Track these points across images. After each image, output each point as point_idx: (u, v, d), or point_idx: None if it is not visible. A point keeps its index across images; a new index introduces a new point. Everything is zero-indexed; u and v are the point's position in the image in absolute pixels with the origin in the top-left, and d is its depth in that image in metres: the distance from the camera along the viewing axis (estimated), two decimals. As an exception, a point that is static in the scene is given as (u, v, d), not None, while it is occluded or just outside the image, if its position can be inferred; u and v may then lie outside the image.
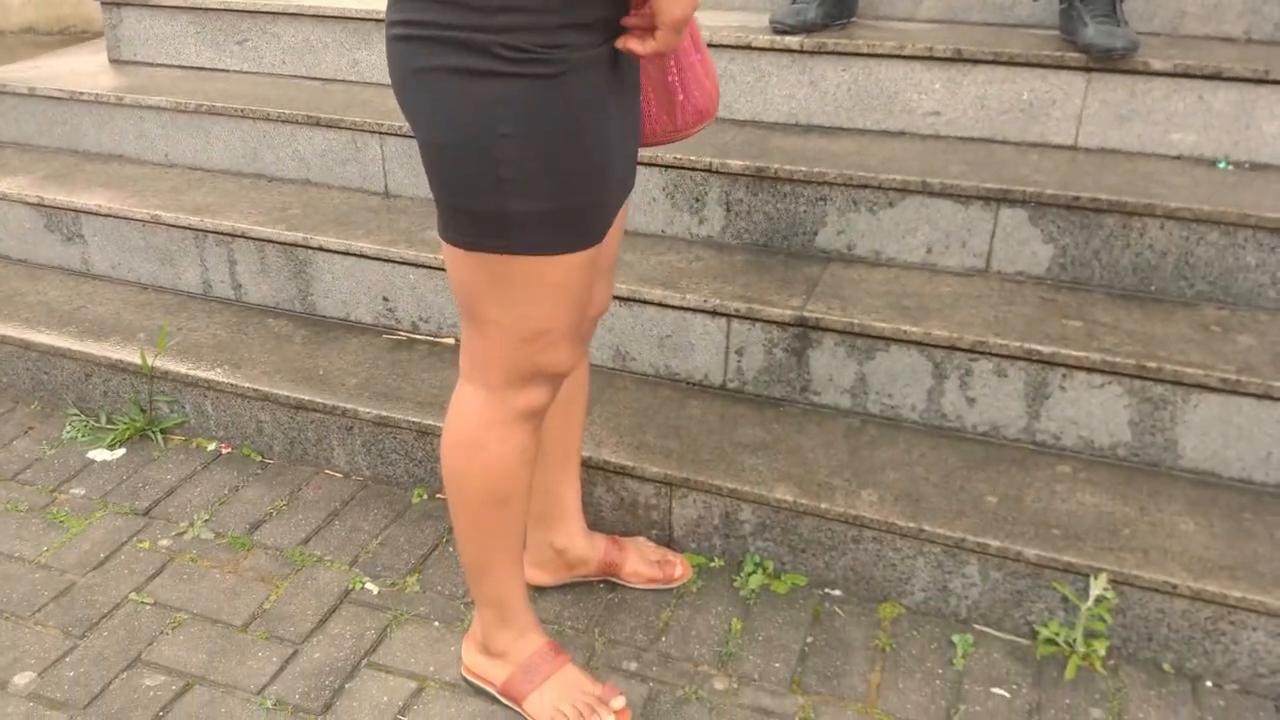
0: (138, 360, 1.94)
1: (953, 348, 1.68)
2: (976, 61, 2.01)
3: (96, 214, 2.26)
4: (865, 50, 2.07)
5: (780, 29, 2.12)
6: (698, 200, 2.02)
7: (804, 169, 1.92)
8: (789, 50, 2.12)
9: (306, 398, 1.83)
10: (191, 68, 2.69)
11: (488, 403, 1.16)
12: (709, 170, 1.98)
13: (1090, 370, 1.61)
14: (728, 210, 2.01)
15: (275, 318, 2.14)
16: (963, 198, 1.84)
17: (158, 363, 1.94)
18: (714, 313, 1.82)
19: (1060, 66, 1.95)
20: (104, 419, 2.01)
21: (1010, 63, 1.99)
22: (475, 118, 0.96)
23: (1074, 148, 2.01)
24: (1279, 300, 1.72)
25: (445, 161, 1.01)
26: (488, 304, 1.09)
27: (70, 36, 3.94)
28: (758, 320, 1.79)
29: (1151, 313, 1.73)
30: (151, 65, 2.74)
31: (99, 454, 1.92)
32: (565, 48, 0.95)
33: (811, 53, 2.11)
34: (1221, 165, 1.91)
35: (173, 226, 2.19)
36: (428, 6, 0.93)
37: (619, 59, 1.04)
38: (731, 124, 2.20)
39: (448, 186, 1.03)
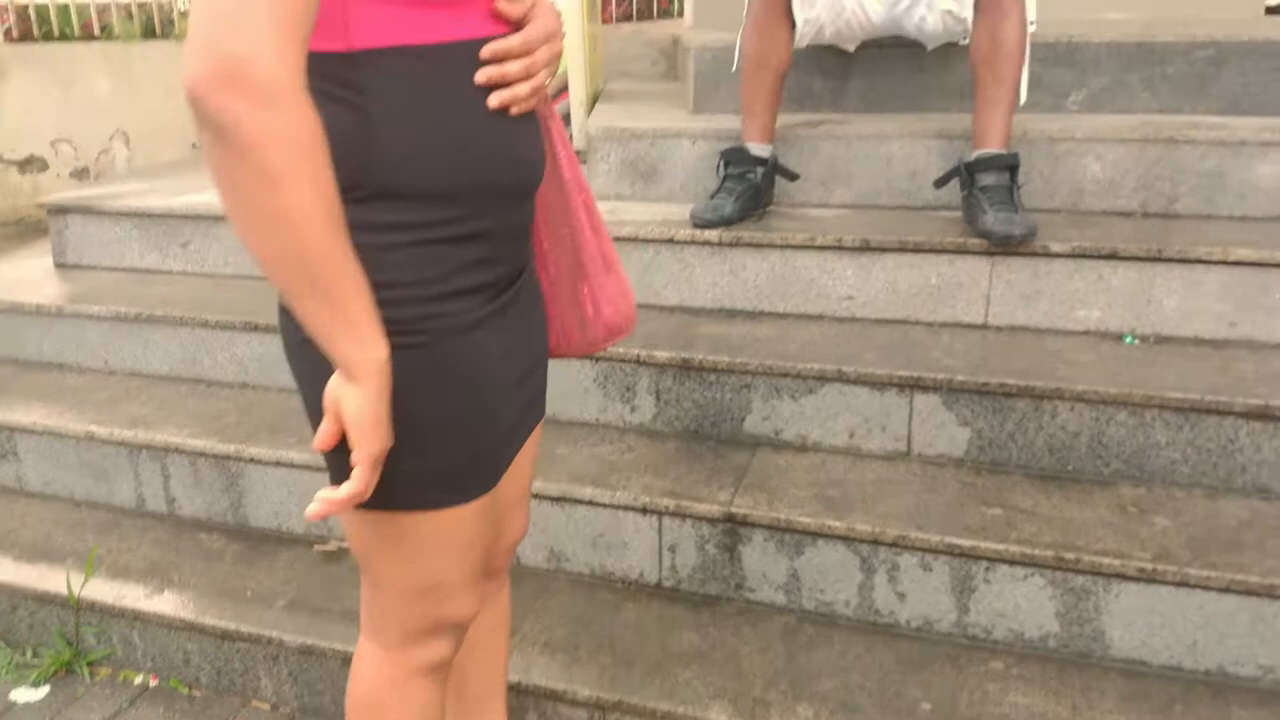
0: (64, 591, 1.91)
1: (877, 542, 1.69)
2: (884, 250, 2.09)
3: (31, 431, 2.26)
4: (780, 242, 2.15)
5: (700, 224, 2.21)
6: (628, 390, 2.06)
7: (726, 359, 1.96)
8: (709, 243, 2.20)
9: (232, 627, 1.79)
10: (136, 270, 2.75)
11: (385, 660, 1.14)
12: (637, 361, 2.02)
13: (1012, 563, 1.62)
14: (658, 399, 2.05)
15: (208, 532, 2.12)
16: (878, 385, 1.89)
17: (85, 592, 1.91)
18: (645, 510, 1.82)
19: (963, 252, 2.04)
20: (29, 653, 1.96)
21: (916, 250, 2.07)
22: None
23: (985, 326, 2.08)
24: (1192, 476, 1.75)
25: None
26: (378, 559, 1.08)
27: (25, 227, 4.00)
28: (688, 517, 1.80)
29: (1070, 494, 1.75)
30: (96, 269, 2.79)
31: (22, 694, 1.86)
32: (441, 316, 0.94)
33: (730, 245, 2.19)
34: (1128, 340, 1.98)
35: (106, 442, 2.19)
36: None
37: (519, 293, 1.05)
38: (661, 310, 2.26)
39: (326, 454, 1.03)
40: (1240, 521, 1.64)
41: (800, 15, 2.21)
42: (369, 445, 0.85)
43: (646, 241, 2.24)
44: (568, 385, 2.07)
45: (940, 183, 2.15)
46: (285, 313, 1.00)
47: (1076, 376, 1.81)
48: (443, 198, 0.91)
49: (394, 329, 0.89)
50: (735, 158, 2.27)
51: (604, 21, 4.63)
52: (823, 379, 1.92)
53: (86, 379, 2.47)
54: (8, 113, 4.16)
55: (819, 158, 2.37)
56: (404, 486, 0.99)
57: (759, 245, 2.18)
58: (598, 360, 2.03)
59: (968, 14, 2.12)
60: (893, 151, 2.31)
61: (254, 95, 0.72)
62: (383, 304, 0.88)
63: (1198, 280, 1.93)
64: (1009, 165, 2.04)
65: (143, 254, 2.74)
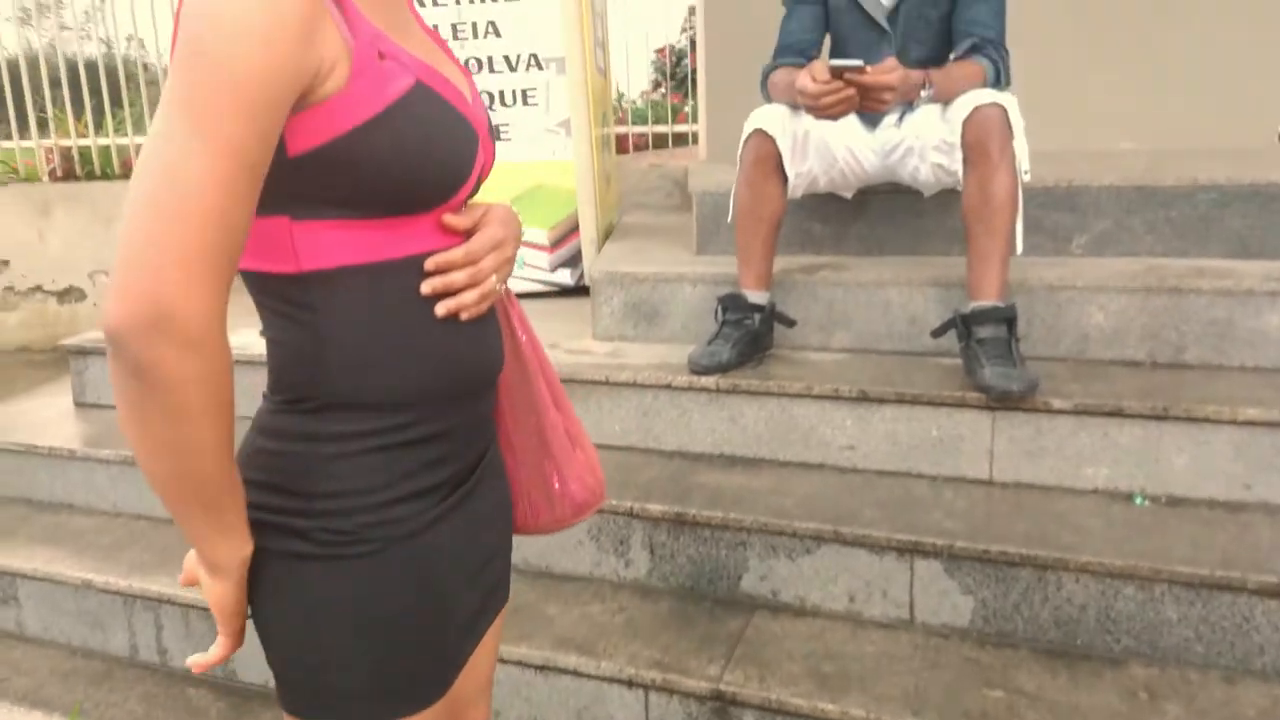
0: (45, 754, 1.88)
1: (873, 726, 1.61)
2: (882, 401, 2.06)
3: (32, 578, 2.27)
4: (776, 390, 2.13)
5: (697, 370, 2.20)
6: (622, 543, 2.02)
7: (721, 514, 1.92)
8: (706, 389, 2.19)
9: (206, 801, 1.75)
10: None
11: None
12: (631, 514, 1.99)
13: (1014, 755, 1.53)
14: (652, 553, 2.00)
15: (196, 686, 2.09)
16: (877, 548, 1.83)
17: (65, 754, 1.88)
18: (631, 683, 1.76)
19: (962, 406, 2.00)
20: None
21: (914, 402, 2.04)
22: (294, 599, 0.95)
23: (989, 482, 2.02)
24: (1207, 656, 1.66)
25: (267, 635, 1.00)
26: None
27: (61, 355, 4.12)
28: (675, 692, 1.73)
29: (1078, 674, 1.66)
30: (113, 409, 2.83)
31: None
32: (391, 523, 0.92)
33: (727, 391, 2.18)
34: (1138, 501, 1.91)
35: (104, 591, 2.19)
36: (258, 490, 0.94)
37: (478, 482, 1.03)
38: (660, 456, 2.24)
39: (272, 660, 1.01)
40: (1259, 711, 1.54)
41: (791, 170, 2.24)
42: (231, 624, 0.91)
43: (645, 387, 2.24)
44: (561, 537, 2.04)
45: (937, 333, 2.12)
46: None
47: (1081, 545, 1.74)
48: (393, 406, 0.91)
49: (343, 539, 0.89)
50: (733, 304, 2.28)
51: (623, 151, 4.76)
52: (820, 539, 1.86)
53: (94, 521, 2.49)
54: (50, 246, 4.34)
55: (818, 302, 2.37)
56: (351, 699, 0.97)
57: (756, 393, 2.16)
58: (596, 511, 2.00)
59: (957, 167, 2.12)
60: (891, 298, 2.30)
61: (178, 341, 0.72)
62: (332, 514, 0.89)
63: (1207, 439, 1.87)
64: (1006, 318, 2.02)
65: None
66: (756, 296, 2.27)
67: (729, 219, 2.33)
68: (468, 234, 0.96)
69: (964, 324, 2.05)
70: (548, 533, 1.23)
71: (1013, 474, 2.01)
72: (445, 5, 2.93)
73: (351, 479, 0.89)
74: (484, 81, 2.99)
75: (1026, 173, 2.13)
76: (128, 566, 2.23)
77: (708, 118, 4.11)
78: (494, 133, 1.01)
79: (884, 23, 2.31)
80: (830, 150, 2.31)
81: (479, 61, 2.97)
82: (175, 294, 0.73)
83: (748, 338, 2.25)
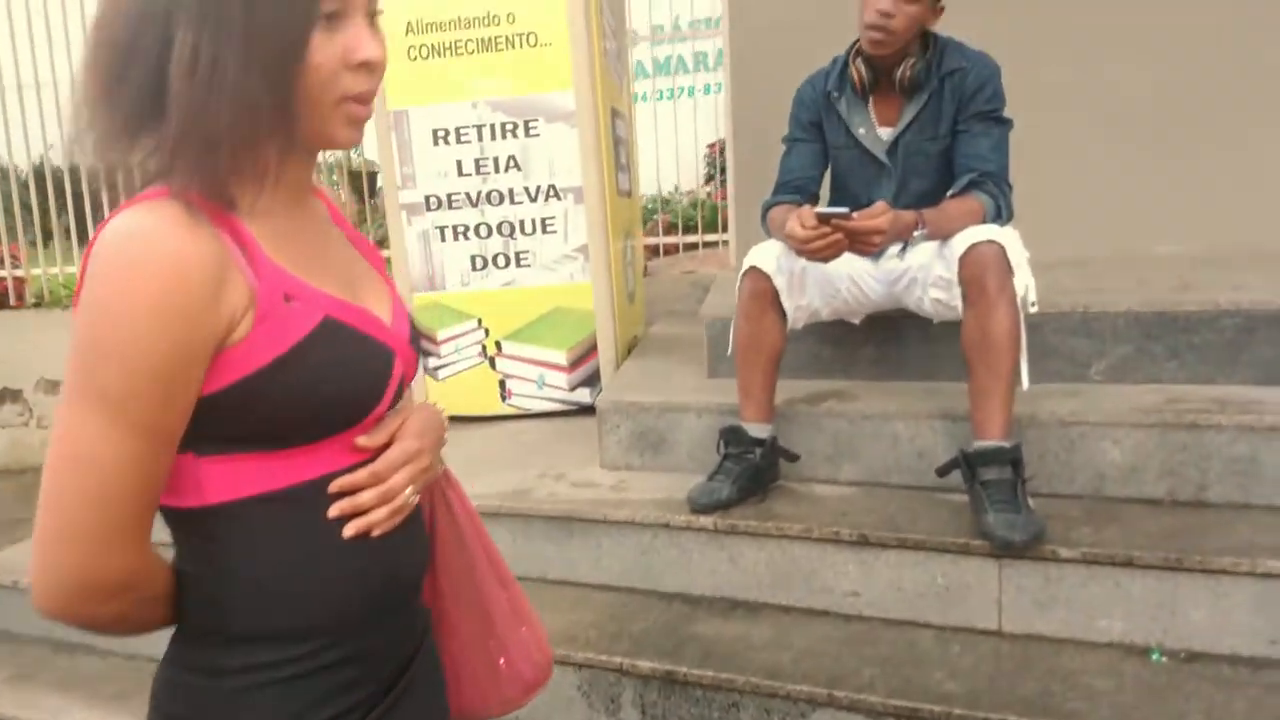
0: None
1: None
2: (884, 545, 1.99)
3: None
4: (775, 532, 2.08)
5: (696, 509, 2.16)
6: (613, 701, 1.96)
7: (712, 674, 1.86)
8: (705, 529, 2.15)
9: None
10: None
11: None
12: (621, 671, 1.94)
13: None
14: (643, 713, 1.94)
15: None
16: (873, 713, 1.74)
17: None
18: None
19: (967, 553, 1.92)
20: None
21: (917, 548, 1.96)
22: None
23: (998, 633, 1.92)
24: (1231, 844, 1.52)
25: None
26: None
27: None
28: None
29: None
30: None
31: None
32: None
33: (726, 532, 2.13)
34: (1155, 657, 1.79)
35: (109, 734, 2.21)
36: None
37: (405, 690, 0.98)
38: (659, 599, 2.19)
39: None
40: None
41: (790, 304, 2.23)
42: None
43: (644, 525, 2.21)
44: (550, 694, 1.99)
45: (942, 472, 2.05)
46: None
47: (1089, 713, 1.63)
48: (300, 635, 0.88)
49: None
50: (733, 438, 2.25)
51: (671, 252, 4.82)
52: (814, 702, 1.78)
53: (109, 664, 2.52)
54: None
55: (824, 434, 2.33)
56: None
57: (756, 534, 2.11)
58: (580, 668, 1.96)
59: (957, 303, 2.08)
60: (898, 430, 2.25)
61: (105, 595, 0.79)
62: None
63: (1226, 592, 1.76)
64: (1011, 459, 1.94)
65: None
66: (758, 430, 2.24)
67: (729, 352, 2.31)
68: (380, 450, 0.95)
69: (967, 464, 1.99)
70: (496, 716, 1.20)
71: (1023, 624, 1.91)
72: (469, 142, 3.04)
73: (260, 713, 0.87)
74: (505, 212, 3.07)
75: (1034, 304, 2.08)
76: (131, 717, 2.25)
77: (737, 224, 4.16)
78: (416, 342, 1.01)
79: (883, 157, 2.31)
80: (831, 282, 2.30)
81: (500, 194, 3.06)
82: (99, 564, 0.77)
83: (749, 473, 2.21)
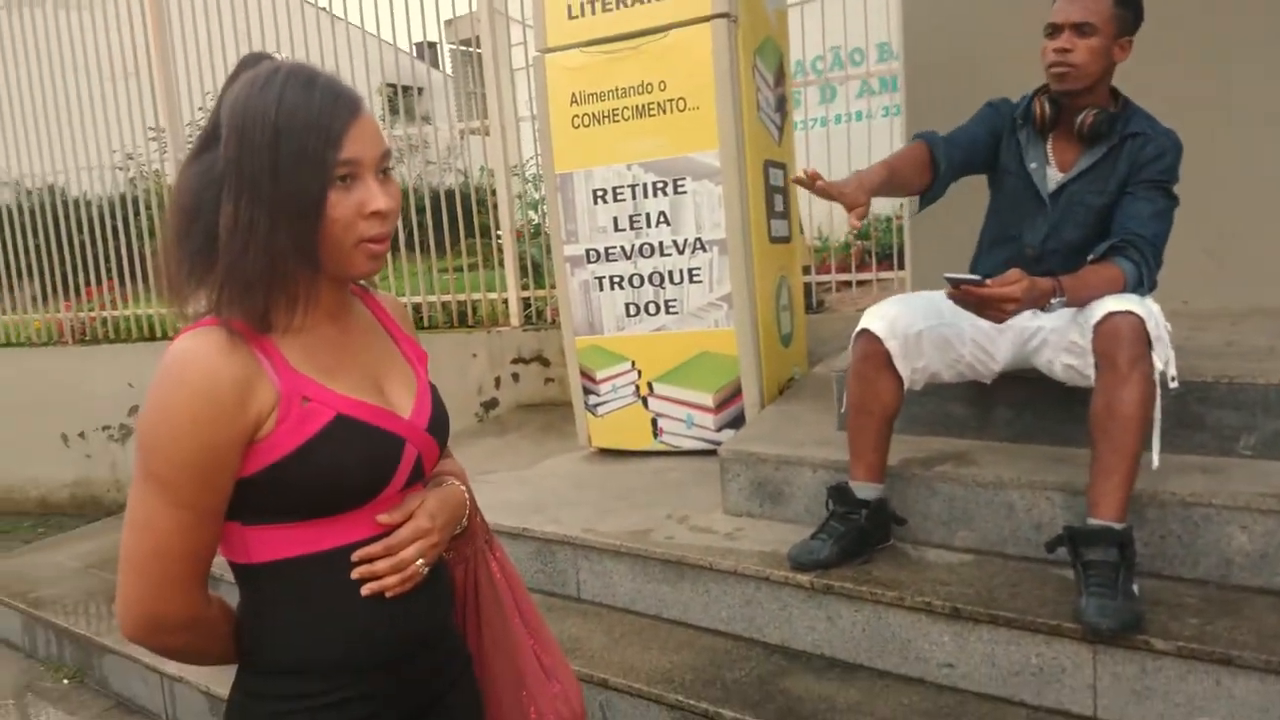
0: None
1: None
2: (976, 620, 1.98)
3: None
4: (869, 596, 2.12)
5: (795, 566, 2.24)
6: (702, 743, 2.08)
7: (792, 731, 1.94)
8: (802, 587, 2.22)
9: None
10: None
11: None
12: (706, 716, 2.05)
13: None
14: (728, 758, 2.05)
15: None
16: (940, 788, 1.76)
17: None
18: None
19: (1058, 634, 1.88)
20: None
21: (1009, 625, 1.94)
22: None
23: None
24: None
25: None
26: None
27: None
28: None
29: None
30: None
31: None
32: None
33: (823, 591, 2.19)
34: (1259, 767, 1.67)
35: None
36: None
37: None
38: (761, 649, 2.28)
39: None
40: None
41: (905, 367, 2.23)
42: None
43: (745, 576, 2.31)
44: (645, 730, 2.14)
45: (1050, 547, 2.00)
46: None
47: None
48: (316, 674, 1.09)
49: None
50: (839, 498, 2.29)
51: (835, 291, 4.83)
52: (882, 768, 1.82)
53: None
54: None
55: (938, 498, 2.32)
56: None
57: (851, 596, 2.15)
58: (672, 709, 2.10)
59: (1090, 371, 2.01)
60: (1013, 500, 2.21)
61: (171, 629, 1.04)
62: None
63: (1345, 708, 1.61)
64: (1119, 542, 1.87)
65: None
66: (865, 491, 2.27)
67: (841, 409, 2.36)
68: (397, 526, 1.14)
69: (1072, 542, 1.93)
70: None
71: (1119, 714, 1.84)
72: (624, 200, 3.27)
73: None
74: (655, 263, 3.27)
75: (1174, 380, 1.97)
76: None
77: (914, 257, 4.12)
78: (437, 428, 1.20)
79: (1045, 197, 2.28)
80: (953, 346, 2.27)
81: (651, 247, 3.26)
82: (162, 604, 1.02)
83: (853, 533, 2.25)
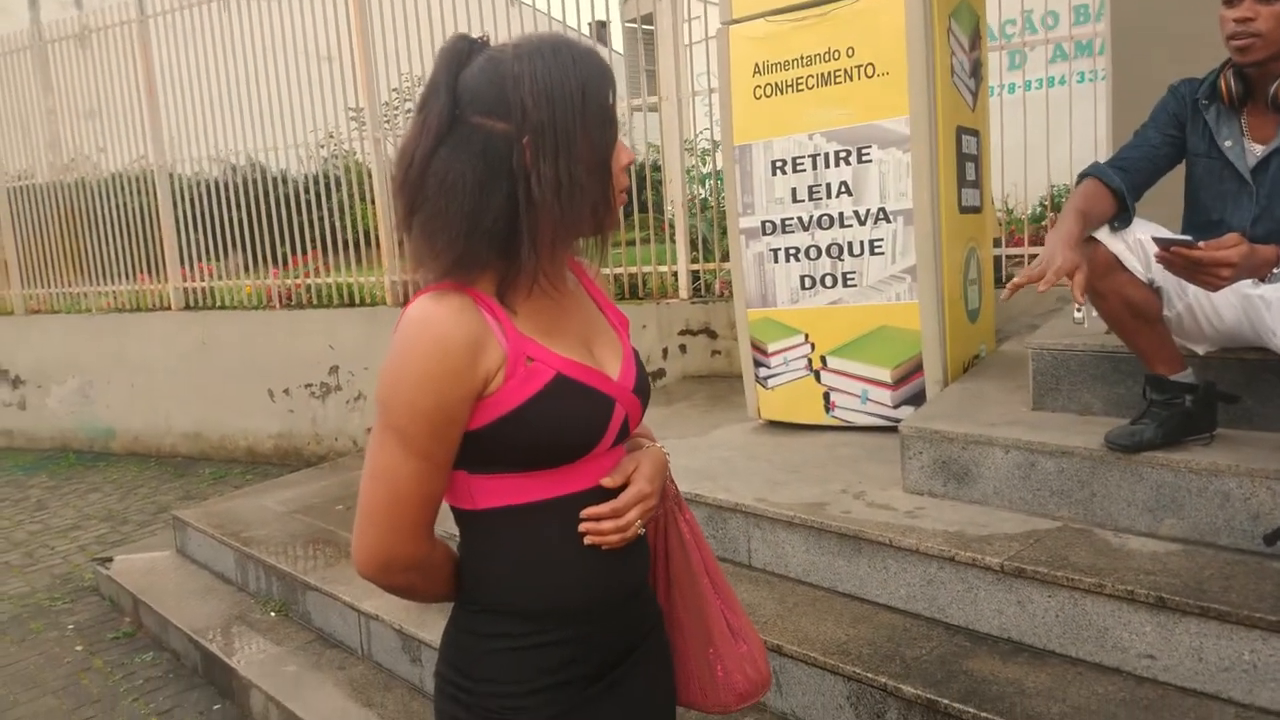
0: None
1: None
2: (1184, 612, 1.86)
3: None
4: (1065, 581, 2.02)
5: (1113, 446, 2.18)
6: (879, 716, 2.06)
7: (973, 710, 1.88)
8: (990, 569, 2.14)
9: None
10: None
11: None
12: (884, 690, 2.03)
13: None
14: (908, 731, 2.02)
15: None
16: (1139, 783, 1.67)
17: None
18: None
19: (1278, 632, 1.73)
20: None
21: (1222, 619, 1.81)
22: None
23: (1317, 730, 1.71)
24: None
25: None
26: None
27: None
28: None
29: None
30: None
31: None
32: (526, 710, 1.14)
33: (1014, 574, 2.11)
34: None
35: None
36: (443, 663, 1.23)
37: (627, 674, 1.21)
38: (943, 629, 2.23)
39: None
40: None
41: (1136, 264, 2.10)
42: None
43: (928, 556, 2.25)
44: (821, 698, 2.14)
45: (1270, 540, 1.86)
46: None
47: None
48: (531, 616, 1.16)
49: (493, 717, 1.16)
50: (1158, 386, 2.19)
51: (1026, 264, 4.59)
52: (1076, 760, 1.75)
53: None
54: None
55: (1145, 483, 2.18)
56: None
57: (1045, 580, 2.06)
58: (849, 680, 2.08)
59: None
60: (1229, 488, 2.05)
61: (401, 570, 1.13)
62: (485, 695, 1.16)
63: None
64: (1355, 538, 1.72)
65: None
66: (1185, 376, 2.18)
67: (1105, 331, 2.27)
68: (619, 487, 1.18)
69: (1297, 536, 1.78)
70: (715, 714, 1.37)
71: (1352, 726, 1.68)
72: (804, 170, 3.23)
73: (498, 671, 1.16)
74: (834, 235, 3.21)
75: None
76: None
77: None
78: (642, 387, 1.24)
79: (1246, 174, 2.10)
80: (1178, 281, 2.09)
81: (830, 218, 3.21)
82: (393, 547, 1.11)
83: (1177, 417, 2.17)
